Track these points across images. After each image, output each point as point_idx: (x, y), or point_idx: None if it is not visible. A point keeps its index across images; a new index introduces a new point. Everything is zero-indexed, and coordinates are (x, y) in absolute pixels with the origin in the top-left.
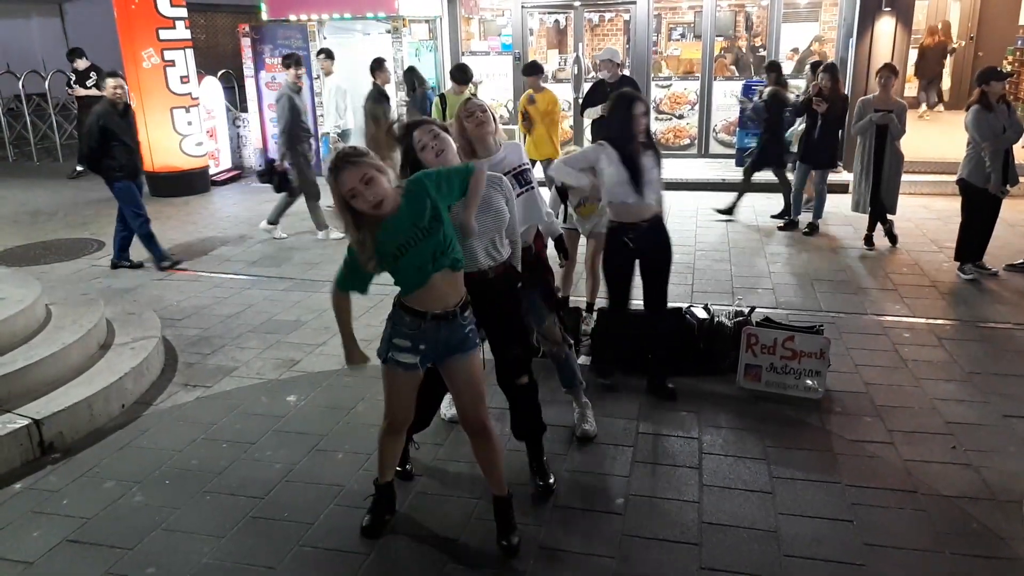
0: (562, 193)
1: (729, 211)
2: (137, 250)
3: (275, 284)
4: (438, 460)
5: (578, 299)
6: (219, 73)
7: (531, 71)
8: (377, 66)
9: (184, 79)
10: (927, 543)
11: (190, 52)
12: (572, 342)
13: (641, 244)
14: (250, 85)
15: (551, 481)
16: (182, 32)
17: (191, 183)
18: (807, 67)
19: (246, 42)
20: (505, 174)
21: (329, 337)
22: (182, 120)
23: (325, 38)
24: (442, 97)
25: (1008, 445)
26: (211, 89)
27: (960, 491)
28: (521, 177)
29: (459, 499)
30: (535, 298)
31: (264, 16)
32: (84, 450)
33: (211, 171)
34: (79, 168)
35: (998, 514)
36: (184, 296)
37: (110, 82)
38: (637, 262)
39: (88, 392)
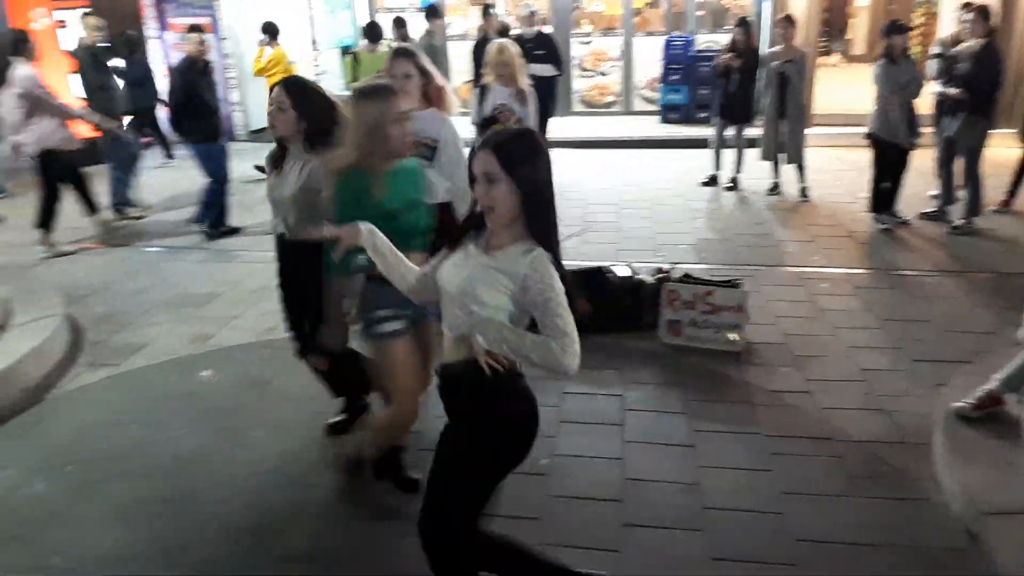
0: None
1: None
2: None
3: (188, 255)
4: None
5: None
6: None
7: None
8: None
9: None
10: (841, 488)
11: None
12: None
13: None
14: (154, 47)
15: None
16: None
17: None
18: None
19: (147, 1)
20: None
21: (245, 309)
22: (77, 84)
23: None
24: (355, 56)
25: (918, 388)
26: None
27: (873, 436)
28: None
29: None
30: None
31: None
32: None
33: None
34: None
35: (908, 456)
36: (90, 271)
37: (192, 37)
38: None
39: None
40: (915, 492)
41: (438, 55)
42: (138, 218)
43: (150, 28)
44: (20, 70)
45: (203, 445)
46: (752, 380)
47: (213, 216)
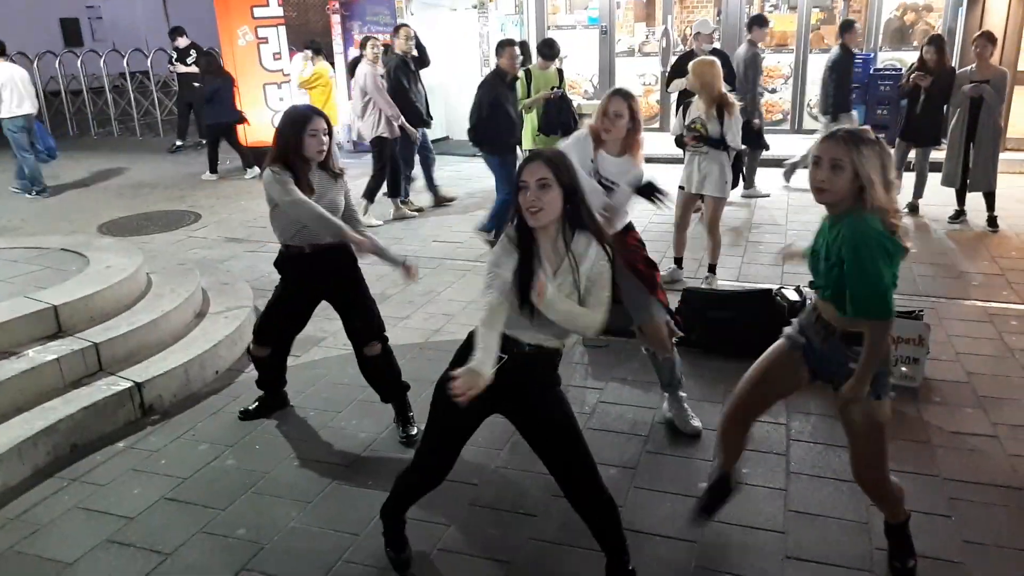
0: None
1: None
2: None
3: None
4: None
5: None
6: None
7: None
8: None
9: (276, 56)
10: None
11: (282, 29)
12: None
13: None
14: (339, 62)
15: (413, 433)
16: (275, 10)
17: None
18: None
19: (335, 19)
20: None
21: (412, 311)
22: (274, 96)
23: (412, 14)
24: (527, 72)
25: None
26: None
27: None
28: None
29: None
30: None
31: None
32: (180, 413)
33: None
34: (179, 143)
35: None
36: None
37: (507, 51)
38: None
39: (185, 358)
40: None
41: (758, 63)
42: (418, 211)
43: (337, 44)
44: (361, 68)
45: (373, 437)
46: (931, 419)
47: (499, 226)
